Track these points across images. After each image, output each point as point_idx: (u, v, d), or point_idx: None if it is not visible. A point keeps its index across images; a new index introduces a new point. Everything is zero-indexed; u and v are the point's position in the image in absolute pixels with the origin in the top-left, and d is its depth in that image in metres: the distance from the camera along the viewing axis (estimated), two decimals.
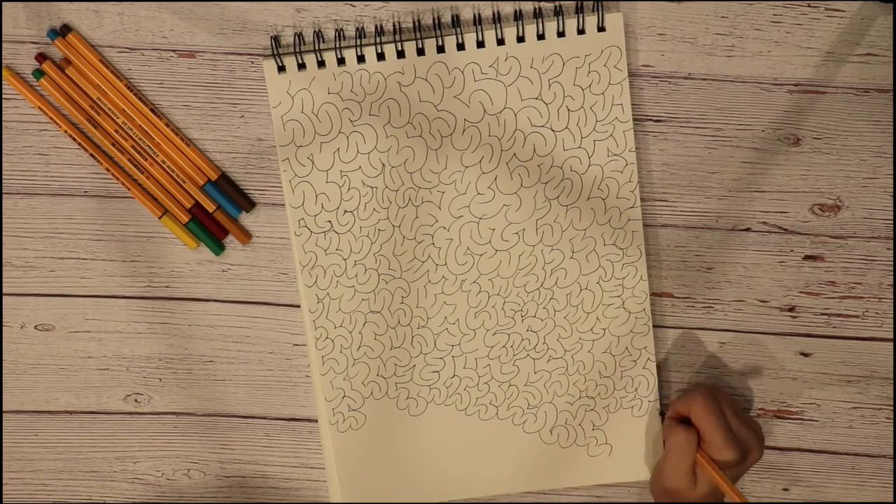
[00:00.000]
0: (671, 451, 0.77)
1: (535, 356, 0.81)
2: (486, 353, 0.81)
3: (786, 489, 0.84)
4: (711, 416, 0.75)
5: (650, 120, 0.78)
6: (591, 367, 0.81)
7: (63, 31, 0.76)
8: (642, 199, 0.79)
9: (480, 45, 0.75)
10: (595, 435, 0.82)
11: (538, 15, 0.75)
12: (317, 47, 0.75)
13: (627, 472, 0.83)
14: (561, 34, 0.75)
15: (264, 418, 0.83)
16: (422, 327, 0.80)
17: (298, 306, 0.81)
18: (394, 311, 0.80)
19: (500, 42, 0.75)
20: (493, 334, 0.80)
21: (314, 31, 0.76)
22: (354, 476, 0.82)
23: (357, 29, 0.75)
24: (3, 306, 0.81)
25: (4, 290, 0.81)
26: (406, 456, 0.82)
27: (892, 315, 0.81)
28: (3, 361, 0.82)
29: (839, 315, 0.81)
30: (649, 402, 0.82)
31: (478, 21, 0.75)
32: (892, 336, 0.81)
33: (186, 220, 0.79)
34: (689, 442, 0.76)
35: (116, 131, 0.77)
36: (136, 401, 0.83)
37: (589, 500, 0.84)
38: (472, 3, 0.75)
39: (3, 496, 0.84)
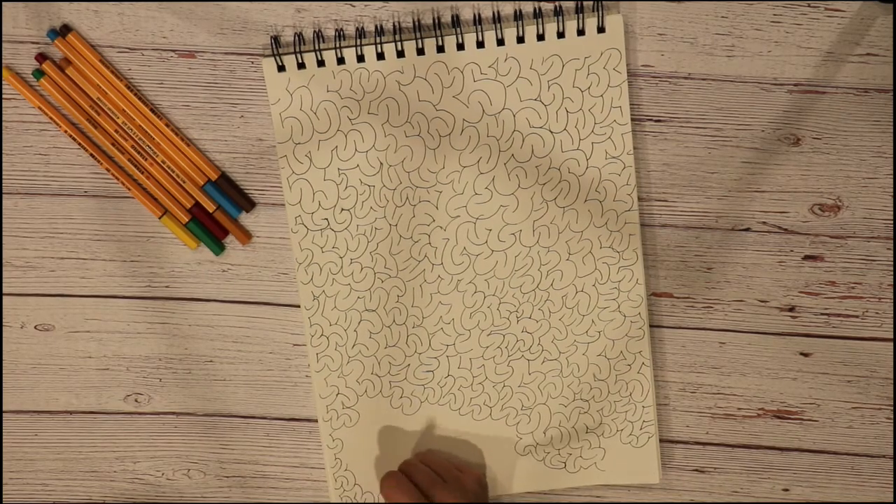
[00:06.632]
0: None
1: (529, 357, 0.81)
2: (481, 354, 0.81)
3: (786, 489, 0.84)
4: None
5: (650, 120, 0.78)
6: (586, 369, 0.81)
7: (63, 31, 0.76)
8: (642, 199, 0.79)
9: (480, 45, 0.75)
10: (588, 438, 0.82)
11: (538, 15, 0.75)
12: (317, 47, 0.75)
13: (621, 476, 0.83)
14: (561, 35, 0.75)
15: (264, 418, 0.83)
16: (417, 326, 0.80)
17: (298, 306, 0.81)
18: (389, 309, 0.80)
19: (500, 42, 0.75)
20: (488, 335, 0.80)
21: (314, 31, 0.76)
22: (347, 474, 0.82)
23: (357, 29, 0.75)
24: (3, 306, 0.81)
25: (4, 290, 0.81)
26: (399, 455, 0.82)
27: (892, 315, 0.81)
28: (3, 361, 0.82)
29: (839, 315, 0.81)
30: (643, 406, 0.82)
31: (478, 21, 0.75)
32: (892, 336, 0.81)
33: (186, 220, 0.79)
34: None
35: (116, 131, 0.77)
36: (136, 401, 0.83)
37: (588, 500, 0.84)
38: (472, 3, 0.75)
39: (3, 496, 0.85)
